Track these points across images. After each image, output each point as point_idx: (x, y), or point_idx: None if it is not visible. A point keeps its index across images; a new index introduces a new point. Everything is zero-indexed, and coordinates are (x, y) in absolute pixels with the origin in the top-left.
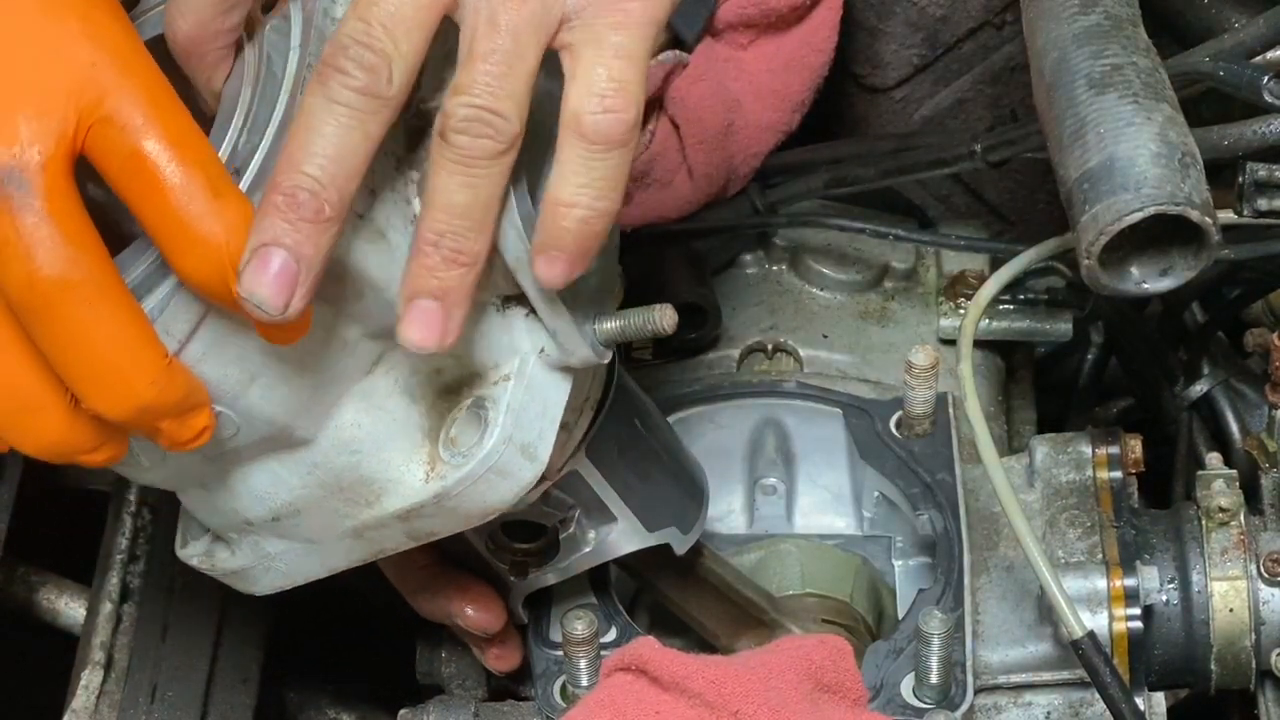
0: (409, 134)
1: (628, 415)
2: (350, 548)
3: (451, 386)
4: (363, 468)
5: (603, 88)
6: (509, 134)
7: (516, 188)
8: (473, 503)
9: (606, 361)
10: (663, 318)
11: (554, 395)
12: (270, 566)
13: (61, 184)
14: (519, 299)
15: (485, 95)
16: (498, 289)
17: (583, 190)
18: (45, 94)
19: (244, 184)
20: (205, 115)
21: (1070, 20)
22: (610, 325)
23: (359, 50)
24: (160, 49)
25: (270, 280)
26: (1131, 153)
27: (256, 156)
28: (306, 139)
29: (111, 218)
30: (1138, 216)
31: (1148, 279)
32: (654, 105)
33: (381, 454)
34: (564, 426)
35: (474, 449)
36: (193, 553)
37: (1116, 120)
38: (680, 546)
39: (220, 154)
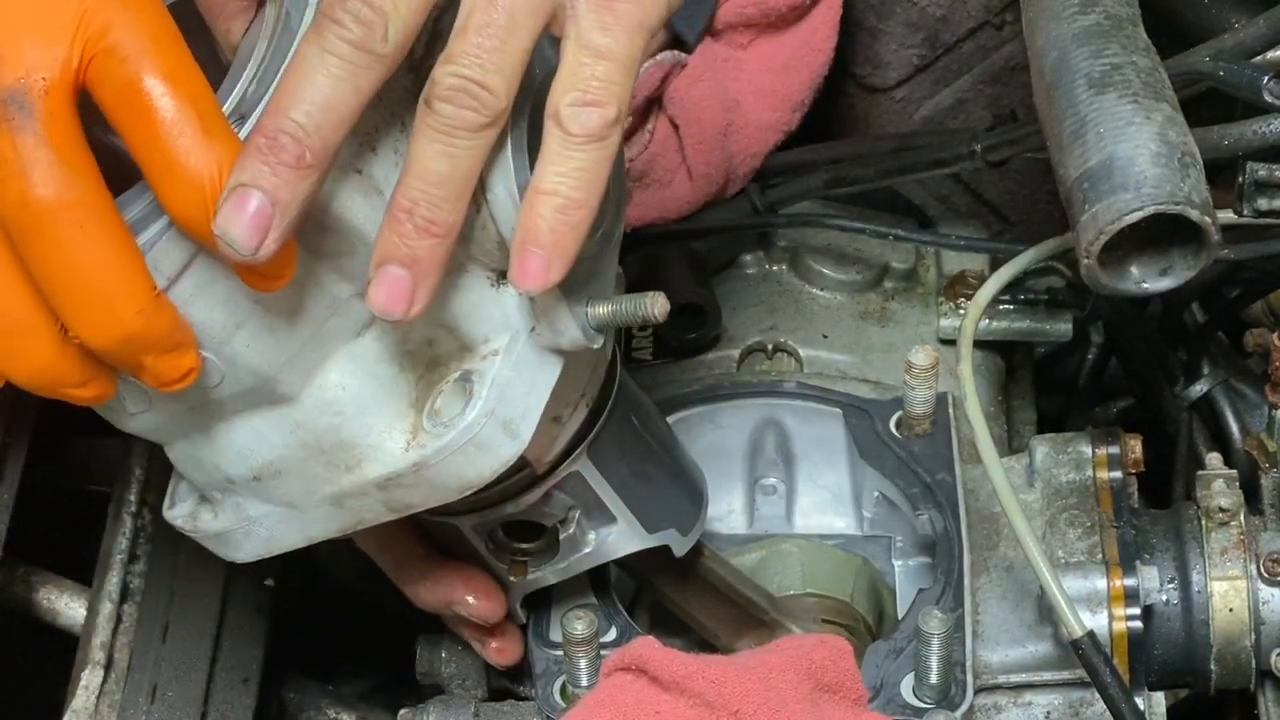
0: (415, 97)
1: (629, 417)
2: (330, 515)
3: (442, 358)
4: (344, 431)
5: (584, 83)
6: (494, 108)
7: (518, 157)
8: (451, 475)
9: (597, 346)
10: (654, 304)
11: (542, 376)
12: (251, 531)
13: (63, 110)
14: None
15: (474, 67)
16: (493, 261)
17: (560, 179)
18: (53, 24)
19: (245, 131)
20: (225, 68)
21: (1070, 20)
22: (602, 310)
23: (357, 5)
24: (184, 9)
25: (245, 221)
26: (1131, 152)
27: (261, 105)
28: (296, 86)
29: (128, 166)
30: (1137, 216)
31: (1147, 279)
32: (653, 105)
33: (364, 418)
34: (555, 419)
35: (455, 420)
36: (178, 514)
37: (1116, 120)
38: (679, 548)
39: (229, 102)
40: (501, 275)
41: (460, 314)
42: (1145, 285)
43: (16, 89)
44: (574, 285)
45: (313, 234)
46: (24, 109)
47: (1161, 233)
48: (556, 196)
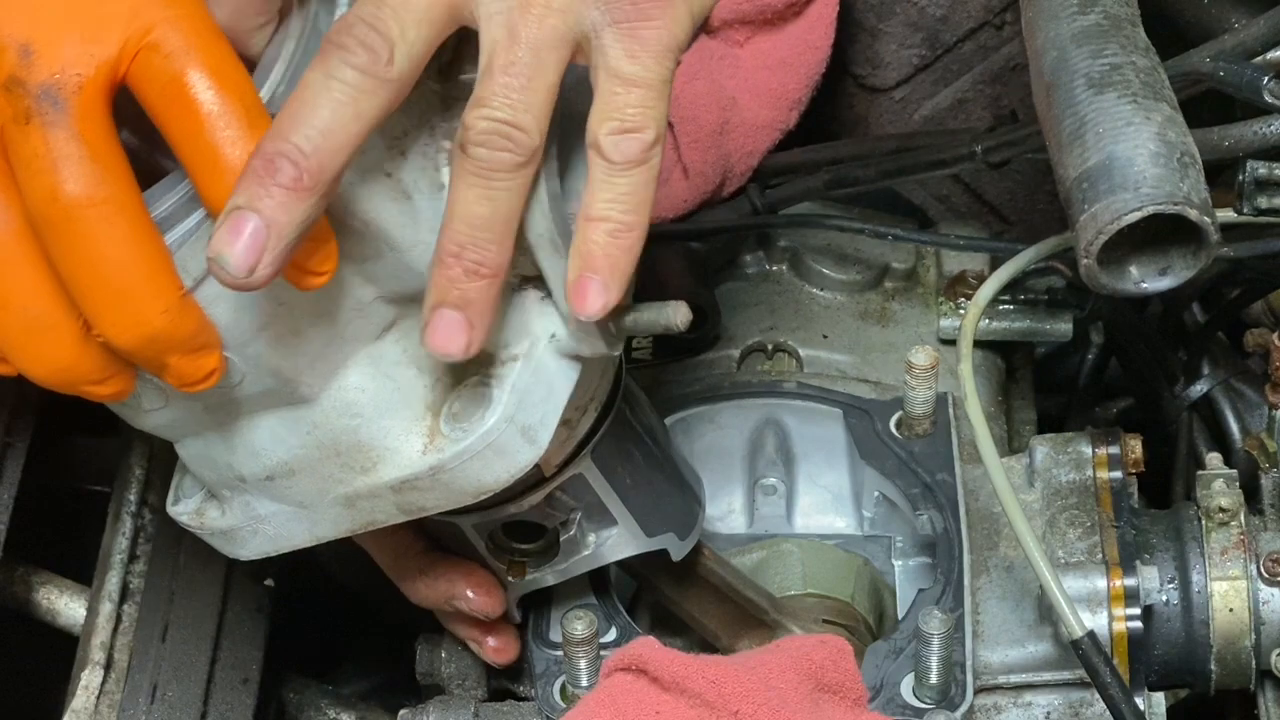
0: (445, 103)
1: (632, 421)
2: (340, 516)
3: (461, 362)
4: (361, 433)
5: (619, 112)
6: (528, 148)
7: (547, 163)
8: (467, 480)
9: (616, 354)
10: (676, 313)
11: (560, 382)
12: (258, 529)
13: (97, 107)
14: (536, 280)
15: (504, 109)
16: (517, 267)
17: (610, 205)
18: (96, 21)
19: None
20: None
21: (1069, 20)
22: (626, 319)
23: (364, 30)
24: None
25: (240, 244)
26: (1130, 152)
27: None
28: (298, 110)
29: (150, 168)
30: (1136, 216)
31: (1147, 278)
32: None
33: (382, 421)
34: (565, 423)
35: (475, 425)
36: (183, 510)
37: (1115, 120)
38: (677, 553)
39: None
40: (524, 280)
41: None
42: (1144, 285)
43: (50, 84)
44: None
45: (340, 237)
46: (57, 104)
47: (1161, 232)
48: (608, 222)
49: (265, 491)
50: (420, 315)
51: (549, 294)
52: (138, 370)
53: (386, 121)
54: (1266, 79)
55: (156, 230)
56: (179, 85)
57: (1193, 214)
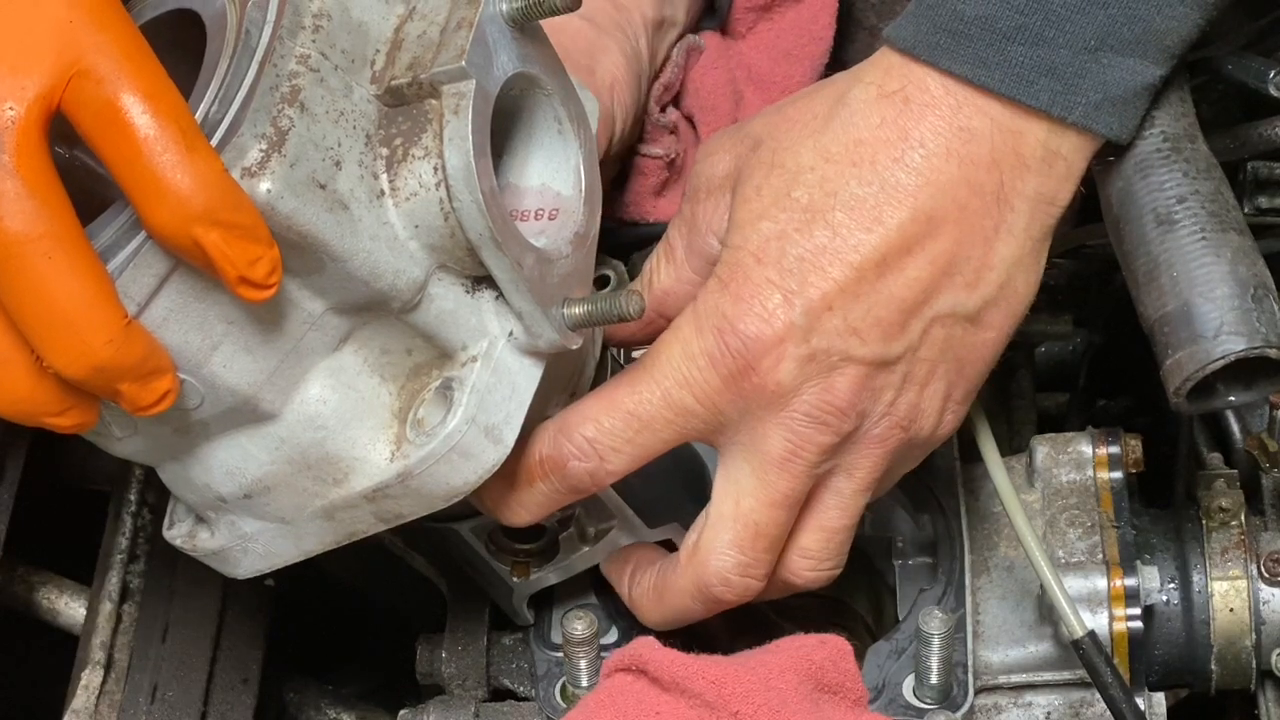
0: (381, 113)
1: None
2: (322, 529)
3: (423, 367)
4: (329, 444)
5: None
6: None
7: (481, 162)
8: (437, 484)
9: (575, 347)
10: (629, 303)
11: (523, 380)
12: (248, 548)
13: (33, 141)
14: (488, 281)
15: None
16: (466, 269)
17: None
18: (23, 52)
19: None
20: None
21: (1128, 145)
22: (577, 310)
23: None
24: (158, 30)
25: None
26: (1206, 297)
27: (221, 126)
28: None
29: (99, 188)
30: (1220, 364)
31: (1234, 392)
32: (676, 92)
33: (348, 432)
34: (548, 419)
35: (437, 429)
36: (177, 533)
37: (1187, 260)
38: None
39: None
40: (476, 281)
41: (437, 322)
42: (1232, 399)
43: None
44: (548, 288)
45: (282, 252)
46: None
47: (1241, 358)
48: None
49: (246, 510)
50: (380, 321)
51: (503, 294)
52: (103, 400)
53: (319, 136)
54: (1273, 73)
55: (98, 261)
56: (113, 111)
57: (1272, 354)
